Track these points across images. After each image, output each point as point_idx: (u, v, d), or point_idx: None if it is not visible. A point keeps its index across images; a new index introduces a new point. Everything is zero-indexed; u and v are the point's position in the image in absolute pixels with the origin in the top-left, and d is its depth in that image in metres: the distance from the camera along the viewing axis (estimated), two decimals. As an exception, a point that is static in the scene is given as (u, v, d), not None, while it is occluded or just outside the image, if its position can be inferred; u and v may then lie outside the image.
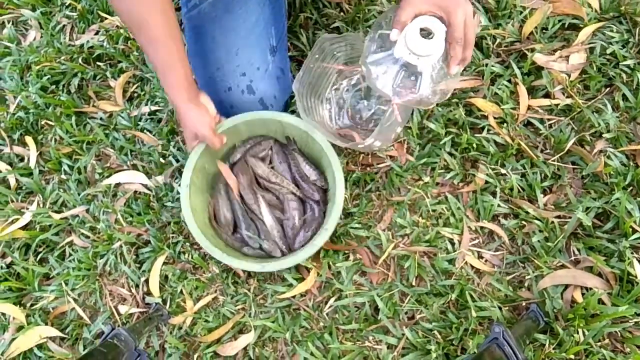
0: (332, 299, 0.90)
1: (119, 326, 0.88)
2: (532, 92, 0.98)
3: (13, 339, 0.94)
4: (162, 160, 1.05)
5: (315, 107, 0.97)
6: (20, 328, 0.95)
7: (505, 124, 0.95)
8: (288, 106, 1.04)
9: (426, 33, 0.70)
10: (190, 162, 0.92)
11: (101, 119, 1.12)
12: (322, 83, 0.99)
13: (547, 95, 0.97)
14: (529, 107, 0.97)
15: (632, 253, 0.81)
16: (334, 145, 0.88)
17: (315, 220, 0.92)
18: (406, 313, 0.87)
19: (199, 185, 0.95)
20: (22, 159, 1.13)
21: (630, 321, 0.78)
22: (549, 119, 0.96)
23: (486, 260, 0.89)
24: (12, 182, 1.10)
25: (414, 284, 0.88)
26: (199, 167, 0.94)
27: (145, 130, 1.09)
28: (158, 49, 0.79)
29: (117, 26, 1.19)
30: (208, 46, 0.94)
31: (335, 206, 0.84)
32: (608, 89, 0.96)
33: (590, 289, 0.81)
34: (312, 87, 0.96)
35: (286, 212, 0.93)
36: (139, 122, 1.10)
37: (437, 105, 0.98)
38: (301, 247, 0.87)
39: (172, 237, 0.98)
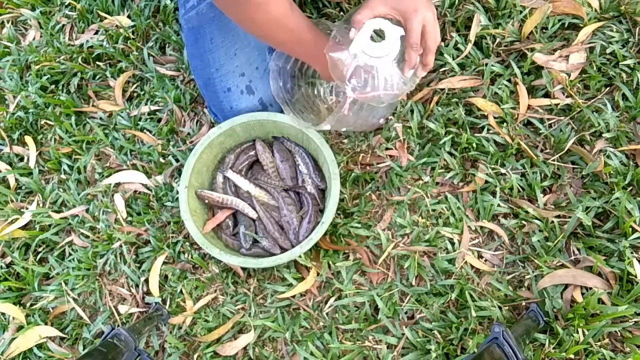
0: (332, 299, 0.90)
1: (118, 326, 0.88)
2: (532, 91, 0.98)
3: (13, 339, 0.94)
4: (161, 160, 1.05)
5: (303, 87, 0.96)
6: (20, 328, 0.95)
7: (505, 124, 0.95)
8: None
9: (382, 34, 0.71)
10: (189, 163, 0.92)
11: (101, 118, 1.12)
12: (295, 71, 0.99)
13: (547, 95, 0.97)
14: (529, 107, 0.97)
15: (632, 253, 0.81)
16: (329, 141, 0.88)
17: (313, 213, 0.92)
18: (406, 313, 0.87)
19: (198, 187, 0.96)
20: (21, 159, 1.13)
21: (630, 321, 0.77)
22: (548, 119, 0.96)
23: (486, 260, 0.89)
24: (12, 182, 1.10)
25: (413, 283, 0.88)
26: (197, 169, 0.94)
27: (145, 130, 1.09)
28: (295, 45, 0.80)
29: (116, 26, 1.18)
30: (206, 47, 0.93)
31: (332, 199, 0.85)
32: (608, 88, 0.96)
33: (590, 288, 0.81)
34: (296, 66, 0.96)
35: (282, 209, 0.93)
36: (139, 122, 1.10)
37: (436, 104, 0.98)
38: (305, 239, 0.87)
39: (172, 236, 0.98)
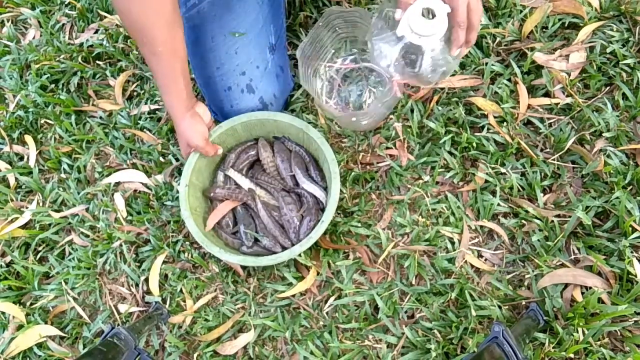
0: (332, 298, 0.90)
1: (118, 325, 0.88)
2: (532, 91, 0.98)
3: (13, 338, 0.94)
4: (161, 159, 1.05)
5: (312, 79, 0.98)
6: (20, 327, 0.95)
7: (505, 123, 0.95)
8: (288, 105, 1.04)
9: (429, 13, 0.71)
10: (190, 162, 0.92)
11: (101, 117, 1.12)
12: (320, 56, 1.00)
13: (547, 94, 0.97)
14: (529, 106, 0.97)
15: (631, 252, 0.81)
16: (329, 140, 0.88)
17: (314, 212, 0.92)
18: (406, 312, 0.87)
19: (198, 185, 0.96)
20: (21, 158, 1.13)
21: (629, 320, 0.78)
22: (548, 118, 0.96)
23: (486, 259, 0.89)
24: (12, 181, 1.10)
25: (413, 283, 0.88)
26: (198, 168, 0.94)
27: (144, 129, 1.09)
28: (160, 63, 0.80)
29: (116, 25, 1.18)
30: (207, 45, 0.93)
31: (331, 199, 0.85)
32: (608, 87, 0.96)
33: (590, 288, 0.81)
34: (311, 58, 0.96)
35: (282, 209, 0.93)
36: (139, 121, 1.10)
37: (436, 103, 0.98)
38: (306, 237, 0.87)
39: (172, 236, 0.98)
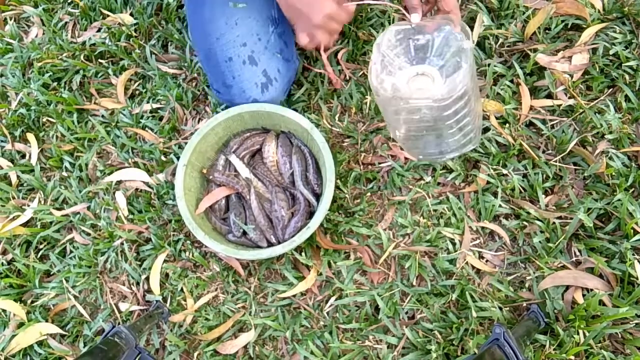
0: (333, 298, 0.90)
1: (119, 324, 0.88)
2: (534, 92, 0.98)
3: (13, 336, 0.94)
4: (163, 158, 1.05)
5: None
6: (20, 325, 0.95)
7: (507, 124, 0.95)
8: (291, 103, 1.04)
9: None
10: (192, 142, 0.92)
11: (103, 116, 1.12)
12: None
13: (550, 96, 0.97)
14: (531, 108, 0.97)
15: (633, 254, 0.81)
16: (331, 140, 0.86)
17: (304, 213, 0.92)
18: (407, 313, 0.87)
19: (197, 165, 0.96)
20: (23, 156, 1.13)
21: (631, 322, 0.78)
22: (551, 120, 0.95)
23: (487, 261, 0.89)
24: (14, 179, 1.10)
25: (414, 283, 0.88)
26: (199, 149, 0.94)
27: (146, 128, 1.09)
28: None
29: (119, 23, 1.18)
30: (207, 16, 0.91)
31: (322, 207, 0.85)
32: (611, 89, 0.96)
33: (591, 290, 0.81)
34: None
35: (274, 204, 0.93)
36: (141, 120, 1.10)
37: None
38: (291, 237, 0.87)
39: (173, 235, 0.98)
